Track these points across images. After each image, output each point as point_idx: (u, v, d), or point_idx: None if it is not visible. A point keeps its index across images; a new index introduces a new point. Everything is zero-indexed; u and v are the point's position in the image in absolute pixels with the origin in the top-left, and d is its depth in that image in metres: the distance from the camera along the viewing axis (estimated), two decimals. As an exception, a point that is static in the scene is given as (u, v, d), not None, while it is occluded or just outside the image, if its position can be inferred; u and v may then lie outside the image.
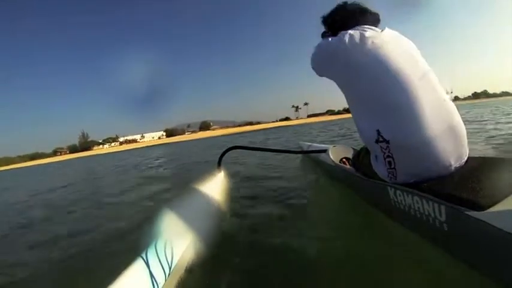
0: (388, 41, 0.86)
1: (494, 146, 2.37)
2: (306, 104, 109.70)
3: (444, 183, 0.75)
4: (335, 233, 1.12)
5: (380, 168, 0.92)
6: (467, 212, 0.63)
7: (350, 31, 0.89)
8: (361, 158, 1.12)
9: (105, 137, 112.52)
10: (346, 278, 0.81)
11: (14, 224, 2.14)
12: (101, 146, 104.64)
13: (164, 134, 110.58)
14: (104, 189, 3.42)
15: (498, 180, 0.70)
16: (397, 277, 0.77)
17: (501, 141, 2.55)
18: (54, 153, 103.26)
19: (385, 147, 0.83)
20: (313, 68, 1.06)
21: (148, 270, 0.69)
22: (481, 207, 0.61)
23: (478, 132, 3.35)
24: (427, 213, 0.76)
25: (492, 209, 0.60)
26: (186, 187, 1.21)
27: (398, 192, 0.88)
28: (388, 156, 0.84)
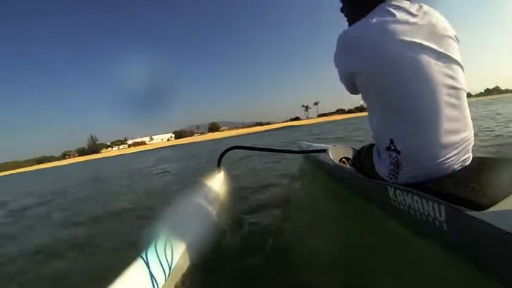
0: (424, 32, 0.74)
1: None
2: (316, 103, 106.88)
3: (444, 183, 0.74)
4: (335, 233, 1.12)
5: (382, 168, 0.91)
6: (467, 212, 0.62)
7: (377, 17, 0.76)
8: (361, 157, 1.11)
9: (114, 140, 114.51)
10: (346, 277, 0.81)
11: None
12: (109, 148, 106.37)
13: (173, 135, 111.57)
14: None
15: (498, 180, 0.70)
16: (397, 277, 0.77)
17: None
18: (63, 156, 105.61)
19: (394, 156, 0.81)
20: (336, 66, 0.92)
21: (148, 270, 0.69)
22: (481, 207, 0.61)
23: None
24: (427, 213, 0.76)
25: (492, 209, 0.59)
26: (186, 187, 1.22)
27: (398, 192, 0.88)
28: (394, 162, 0.83)
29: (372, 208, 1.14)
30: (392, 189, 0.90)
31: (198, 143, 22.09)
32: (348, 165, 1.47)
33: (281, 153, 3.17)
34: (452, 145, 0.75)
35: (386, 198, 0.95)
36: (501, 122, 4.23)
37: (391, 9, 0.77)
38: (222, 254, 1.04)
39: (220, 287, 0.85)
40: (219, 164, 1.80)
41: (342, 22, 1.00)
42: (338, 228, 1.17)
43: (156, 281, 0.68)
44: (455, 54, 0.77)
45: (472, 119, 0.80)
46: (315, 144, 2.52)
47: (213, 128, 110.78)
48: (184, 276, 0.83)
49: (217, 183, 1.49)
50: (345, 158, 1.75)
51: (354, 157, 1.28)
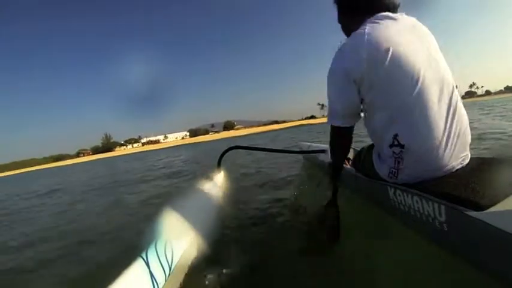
0: (409, 36, 0.80)
1: None
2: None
3: (444, 183, 0.74)
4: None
5: (382, 167, 0.91)
6: (467, 212, 0.62)
7: (367, 29, 0.80)
8: (361, 157, 1.12)
9: (128, 138, 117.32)
10: (346, 277, 0.81)
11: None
12: (123, 147, 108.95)
13: (188, 134, 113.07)
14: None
15: (498, 180, 0.70)
16: (397, 277, 0.77)
17: None
18: (78, 154, 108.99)
19: (398, 152, 0.82)
20: (333, 78, 0.88)
21: (148, 270, 0.69)
22: (481, 207, 0.61)
23: None
24: (427, 213, 0.76)
25: (492, 209, 0.59)
26: (186, 187, 1.23)
27: (398, 192, 0.88)
28: (396, 159, 0.83)
29: (372, 208, 1.15)
30: (393, 189, 0.90)
31: (210, 142, 22.28)
32: (348, 165, 1.47)
33: (281, 154, 3.16)
34: (451, 144, 0.76)
35: (386, 198, 0.95)
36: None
37: (385, 17, 0.83)
38: (222, 253, 1.04)
39: (220, 287, 0.86)
40: (219, 164, 1.80)
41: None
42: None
43: (156, 281, 0.68)
44: (439, 54, 0.83)
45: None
46: (315, 144, 2.52)
47: (228, 126, 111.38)
48: (184, 276, 0.83)
49: (217, 182, 1.49)
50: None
51: (354, 157, 1.29)
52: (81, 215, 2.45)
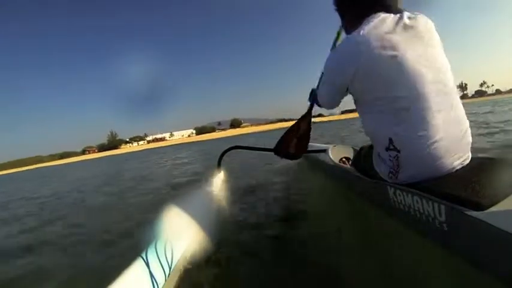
0: (411, 36, 0.78)
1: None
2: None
3: (444, 183, 0.74)
4: (335, 233, 1.11)
5: (381, 167, 0.91)
6: (467, 212, 0.62)
7: (366, 28, 0.78)
8: (361, 157, 1.11)
9: (133, 136, 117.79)
10: (346, 276, 0.81)
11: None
12: (128, 144, 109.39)
13: (194, 132, 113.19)
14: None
15: (498, 180, 0.70)
16: (397, 277, 0.77)
17: None
18: (83, 152, 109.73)
19: (394, 155, 0.82)
20: (330, 72, 0.95)
21: (148, 270, 0.69)
22: (481, 207, 0.61)
23: None
24: (426, 213, 0.76)
25: (492, 209, 0.60)
26: (186, 187, 1.24)
27: (398, 192, 0.88)
28: (394, 161, 0.83)
29: (371, 208, 1.14)
30: (392, 189, 0.90)
31: (216, 140, 22.05)
32: (348, 165, 1.47)
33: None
34: (451, 144, 0.76)
35: (386, 198, 0.95)
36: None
37: (385, 17, 0.81)
38: (222, 253, 1.05)
39: (220, 287, 0.86)
40: (219, 164, 1.80)
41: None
42: (338, 228, 1.16)
43: (156, 281, 0.68)
44: (443, 56, 0.81)
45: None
46: (315, 144, 2.51)
47: (235, 124, 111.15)
48: (184, 276, 0.83)
49: (217, 182, 1.49)
50: (345, 158, 1.75)
51: (354, 157, 1.28)
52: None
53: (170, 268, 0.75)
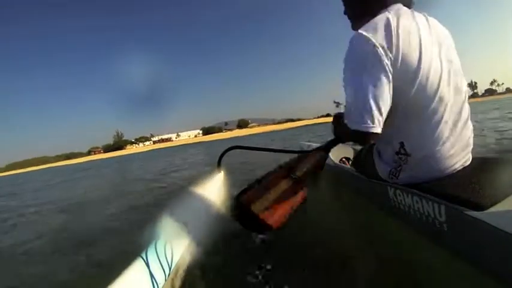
0: (429, 37, 0.72)
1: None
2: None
3: (444, 183, 0.74)
4: (335, 233, 1.11)
5: (382, 168, 0.90)
6: (467, 212, 0.62)
7: (392, 15, 0.70)
8: (362, 157, 1.10)
9: (139, 136, 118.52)
10: (345, 276, 0.81)
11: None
12: (134, 145, 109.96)
13: (200, 132, 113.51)
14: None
15: (498, 180, 0.70)
16: (397, 277, 0.77)
17: None
18: (89, 152, 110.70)
19: (403, 159, 0.80)
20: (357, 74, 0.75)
21: (148, 270, 0.69)
22: (481, 207, 0.61)
23: None
24: (426, 213, 0.76)
25: (492, 209, 0.60)
26: (186, 188, 1.25)
27: (398, 192, 0.88)
28: (399, 163, 0.82)
29: (371, 208, 1.14)
30: (393, 189, 0.90)
31: (223, 140, 21.99)
32: (348, 165, 1.46)
33: (281, 154, 3.14)
34: (454, 146, 0.75)
35: (386, 198, 0.95)
36: None
37: (405, 11, 0.74)
38: (222, 253, 1.05)
39: (220, 287, 0.87)
40: (219, 164, 1.80)
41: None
42: (338, 228, 1.17)
43: (156, 281, 0.69)
44: (455, 57, 0.77)
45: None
46: (315, 144, 2.49)
47: (242, 124, 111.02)
48: (184, 276, 0.83)
49: (217, 183, 1.49)
50: (345, 158, 1.74)
51: (354, 157, 1.27)
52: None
53: (170, 268, 0.75)
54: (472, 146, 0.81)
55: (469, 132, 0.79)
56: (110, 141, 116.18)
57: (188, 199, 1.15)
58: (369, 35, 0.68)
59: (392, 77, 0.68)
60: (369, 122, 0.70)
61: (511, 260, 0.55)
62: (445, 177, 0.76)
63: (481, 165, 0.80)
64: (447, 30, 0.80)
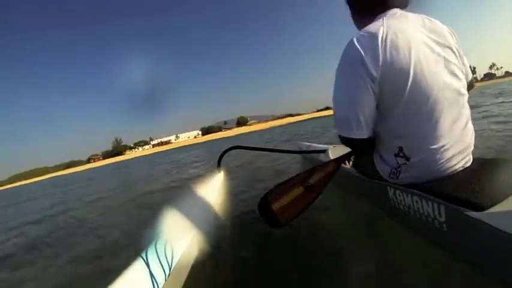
0: (428, 39, 0.72)
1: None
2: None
3: (444, 183, 0.74)
4: (334, 233, 1.11)
5: (382, 168, 0.90)
6: (467, 213, 0.62)
7: (385, 25, 0.72)
8: (362, 157, 1.08)
9: (138, 141, 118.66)
10: (345, 276, 0.81)
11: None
12: (133, 150, 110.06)
13: (200, 132, 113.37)
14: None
15: (498, 180, 0.70)
16: (397, 277, 0.76)
17: None
18: (88, 160, 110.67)
19: (402, 162, 0.80)
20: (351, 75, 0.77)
21: (148, 270, 0.69)
22: (481, 208, 0.60)
23: None
24: (426, 213, 0.75)
25: (492, 210, 0.59)
26: (186, 187, 1.25)
27: (398, 192, 0.87)
28: (398, 164, 0.81)
29: (371, 208, 1.14)
30: (392, 189, 0.90)
31: (222, 139, 21.88)
32: (348, 165, 1.45)
33: (281, 154, 3.14)
34: (453, 147, 0.75)
35: (386, 198, 0.94)
36: None
37: (401, 16, 0.76)
38: (222, 253, 1.05)
39: (220, 287, 0.87)
40: (219, 164, 1.80)
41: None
42: (337, 229, 1.17)
43: (156, 281, 0.69)
44: (453, 56, 0.76)
45: None
46: (314, 144, 2.50)
47: (241, 122, 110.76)
48: (184, 276, 0.83)
49: (217, 183, 1.49)
50: None
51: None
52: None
53: (170, 268, 0.75)
54: (472, 147, 0.80)
55: (469, 134, 0.78)
56: (109, 147, 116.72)
57: (188, 199, 1.16)
58: (358, 44, 0.72)
59: (383, 82, 0.71)
60: (352, 127, 0.77)
61: (510, 261, 0.55)
62: (445, 178, 0.76)
63: (481, 165, 0.79)
64: (449, 30, 0.79)
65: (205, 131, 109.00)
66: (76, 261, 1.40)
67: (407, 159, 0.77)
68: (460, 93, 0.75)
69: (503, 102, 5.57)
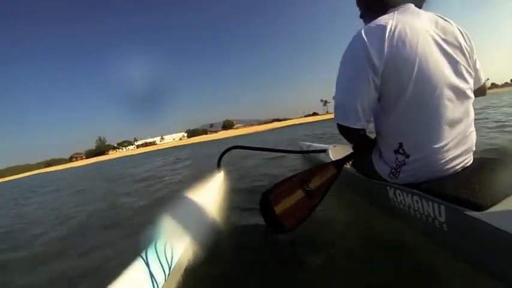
0: (430, 34, 0.72)
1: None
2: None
3: (444, 183, 0.74)
4: (334, 233, 1.11)
5: (382, 167, 0.90)
6: (467, 212, 0.62)
7: (394, 20, 0.72)
8: (362, 157, 1.08)
9: (123, 140, 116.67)
10: (345, 277, 0.81)
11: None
12: (116, 150, 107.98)
13: (185, 135, 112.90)
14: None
15: (498, 180, 0.70)
16: (397, 277, 0.76)
17: None
18: (70, 158, 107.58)
19: (402, 159, 0.80)
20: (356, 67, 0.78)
21: (148, 270, 0.69)
22: (481, 208, 0.60)
23: None
24: (426, 213, 0.75)
25: (492, 209, 0.60)
26: (186, 187, 1.24)
27: (398, 192, 0.87)
28: (398, 163, 0.81)
29: (371, 208, 1.14)
30: (392, 189, 0.90)
31: (208, 143, 21.70)
32: (348, 165, 1.46)
33: (281, 154, 3.15)
34: (454, 147, 0.75)
35: (386, 198, 0.94)
36: None
37: (412, 12, 0.76)
38: (222, 253, 1.05)
39: (220, 287, 0.86)
40: (218, 164, 1.80)
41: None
42: (337, 229, 1.17)
43: (156, 281, 0.68)
44: (462, 58, 0.75)
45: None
46: (314, 144, 2.51)
47: (227, 125, 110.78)
48: (184, 276, 0.83)
49: (217, 183, 1.49)
50: None
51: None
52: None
53: (170, 268, 0.75)
54: (474, 148, 0.80)
55: (472, 136, 0.78)
56: (92, 146, 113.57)
57: (188, 199, 1.15)
58: (365, 35, 0.73)
59: (387, 74, 0.71)
60: (350, 116, 0.79)
61: (510, 260, 0.55)
62: (445, 178, 0.76)
63: (481, 165, 0.80)
64: (462, 31, 0.78)
65: (191, 133, 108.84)
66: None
67: (407, 156, 0.78)
68: (465, 95, 0.75)
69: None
